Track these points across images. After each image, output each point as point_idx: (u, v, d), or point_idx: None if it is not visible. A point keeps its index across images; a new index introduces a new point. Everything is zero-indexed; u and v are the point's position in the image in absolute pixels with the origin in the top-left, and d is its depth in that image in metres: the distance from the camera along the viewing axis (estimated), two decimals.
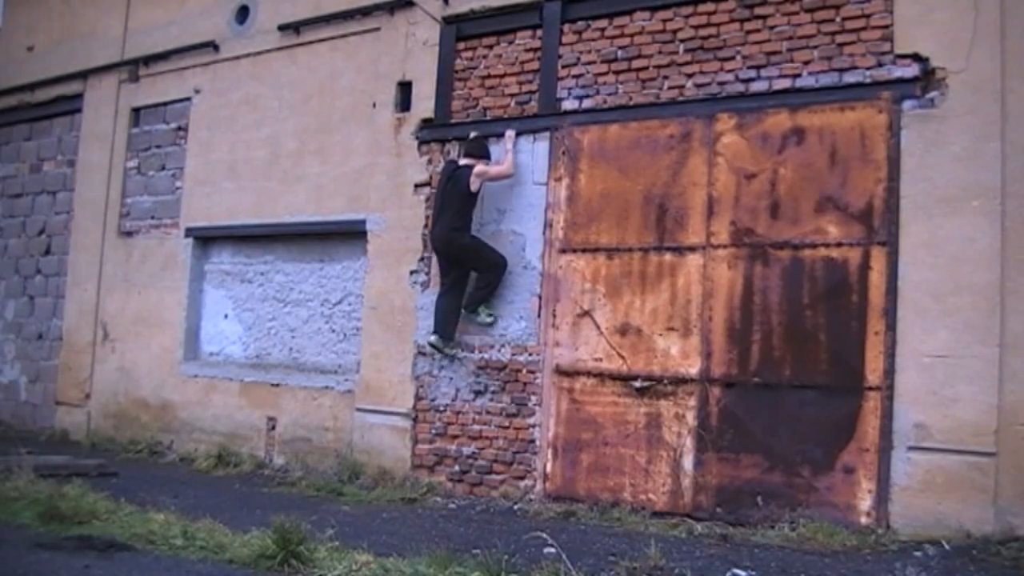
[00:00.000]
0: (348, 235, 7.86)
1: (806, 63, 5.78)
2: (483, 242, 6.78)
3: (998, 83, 5.15)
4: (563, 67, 6.73)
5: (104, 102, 9.87)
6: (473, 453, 6.78)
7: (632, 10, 6.46)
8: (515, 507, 6.27)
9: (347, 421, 7.54)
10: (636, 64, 6.42)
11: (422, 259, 7.25)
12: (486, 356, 6.81)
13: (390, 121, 7.57)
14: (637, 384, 6.15)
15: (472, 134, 6.98)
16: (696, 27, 6.19)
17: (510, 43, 7.02)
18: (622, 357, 6.25)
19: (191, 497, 6.17)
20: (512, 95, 6.96)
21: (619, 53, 6.50)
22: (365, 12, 7.83)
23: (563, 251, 6.59)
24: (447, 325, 6.84)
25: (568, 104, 6.68)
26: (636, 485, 6.08)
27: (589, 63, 6.62)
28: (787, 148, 5.80)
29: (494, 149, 6.92)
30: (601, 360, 6.34)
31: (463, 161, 6.82)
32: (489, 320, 6.75)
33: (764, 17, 5.95)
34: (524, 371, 6.63)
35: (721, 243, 5.97)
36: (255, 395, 8.21)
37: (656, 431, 6.06)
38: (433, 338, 6.82)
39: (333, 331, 8.07)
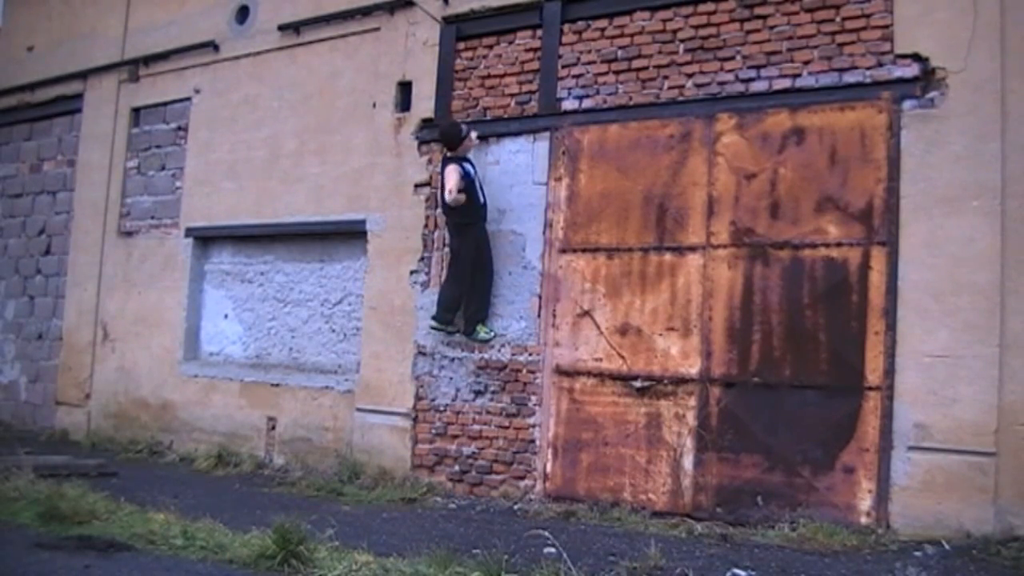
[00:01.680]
0: (348, 235, 7.86)
1: (806, 63, 5.78)
2: (484, 245, 6.79)
3: (998, 83, 5.15)
4: (563, 67, 6.73)
5: (104, 102, 9.87)
6: (473, 453, 6.78)
7: (632, 10, 6.46)
8: (515, 507, 6.27)
9: (347, 421, 7.53)
10: (636, 64, 6.42)
11: (422, 259, 7.25)
12: (486, 356, 6.81)
13: (390, 121, 7.57)
14: (637, 384, 6.15)
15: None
16: (696, 27, 6.19)
17: (510, 43, 7.01)
18: (622, 357, 6.25)
19: (191, 497, 6.17)
20: (512, 95, 6.95)
21: (619, 53, 6.49)
22: (365, 12, 7.83)
23: (563, 251, 6.59)
24: (446, 312, 6.89)
25: (568, 104, 6.68)
26: (636, 485, 6.08)
27: (589, 63, 6.62)
28: (787, 148, 5.80)
29: (494, 150, 6.93)
30: (601, 360, 6.34)
31: (449, 153, 6.86)
32: (488, 337, 6.77)
33: (764, 17, 5.95)
34: (524, 371, 6.63)
35: (721, 243, 5.97)
36: (255, 395, 8.21)
37: (656, 431, 6.06)
38: (432, 322, 6.92)
39: (333, 331, 8.07)
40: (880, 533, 5.11)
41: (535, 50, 6.87)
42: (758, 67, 5.94)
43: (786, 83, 5.84)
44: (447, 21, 7.31)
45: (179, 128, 9.26)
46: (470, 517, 5.96)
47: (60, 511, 5.12)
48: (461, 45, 7.27)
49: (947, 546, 4.85)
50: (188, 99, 9.16)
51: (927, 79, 5.36)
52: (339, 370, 7.88)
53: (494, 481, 6.66)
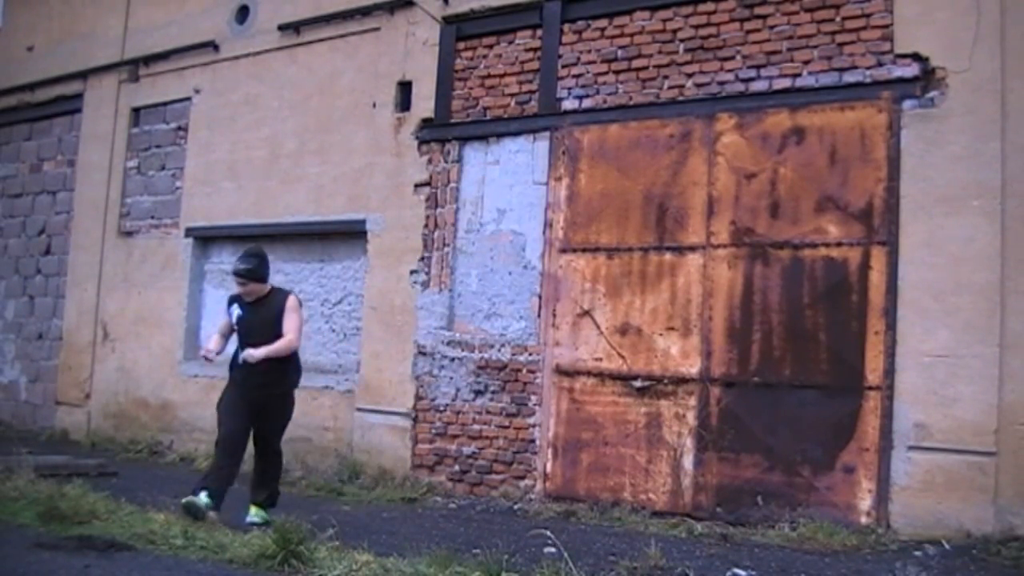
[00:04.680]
0: (348, 235, 7.85)
1: (806, 63, 5.78)
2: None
3: (998, 83, 5.15)
4: (563, 67, 6.73)
5: (104, 102, 9.87)
6: (473, 453, 6.78)
7: (632, 10, 6.46)
8: (515, 507, 6.27)
9: (347, 421, 7.53)
10: (636, 64, 6.42)
11: (422, 259, 7.25)
12: (486, 356, 6.80)
13: (390, 121, 7.57)
14: (637, 384, 6.15)
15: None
16: (696, 27, 6.19)
17: (510, 43, 7.01)
18: (622, 357, 6.25)
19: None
20: (512, 95, 6.95)
21: (619, 53, 6.49)
22: (365, 12, 7.83)
23: (563, 251, 6.59)
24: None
25: (568, 104, 6.67)
26: (636, 485, 6.08)
27: (589, 63, 6.62)
28: (787, 148, 5.80)
29: (494, 150, 6.93)
30: (601, 360, 6.34)
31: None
32: (261, 521, 5.48)
33: (764, 17, 5.95)
34: (524, 371, 6.63)
35: (721, 243, 5.97)
36: None
37: (656, 431, 6.06)
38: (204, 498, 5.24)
39: (333, 331, 8.06)
40: (880, 533, 5.11)
41: (535, 50, 6.87)
42: (758, 67, 5.94)
43: (786, 83, 5.84)
44: (447, 21, 7.31)
45: (179, 128, 9.25)
46: (470, 517, 5.95)
47: (60, 511, 5.10)
48: (461, 45, 7.27)
49: (947, 546, 4.85)
50: (188, 99, 9.16)
51: (927, 79, 5.36)
52: (339, 370, 7.88)
53: (494, 481, 6.66)
